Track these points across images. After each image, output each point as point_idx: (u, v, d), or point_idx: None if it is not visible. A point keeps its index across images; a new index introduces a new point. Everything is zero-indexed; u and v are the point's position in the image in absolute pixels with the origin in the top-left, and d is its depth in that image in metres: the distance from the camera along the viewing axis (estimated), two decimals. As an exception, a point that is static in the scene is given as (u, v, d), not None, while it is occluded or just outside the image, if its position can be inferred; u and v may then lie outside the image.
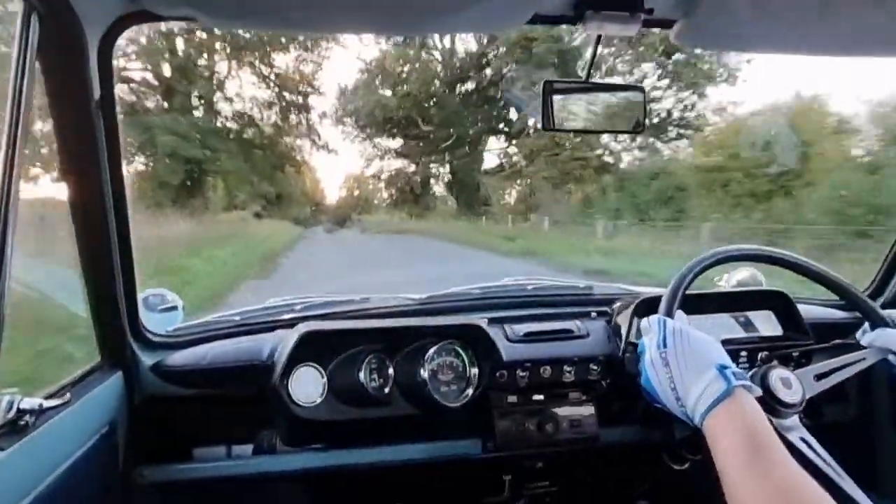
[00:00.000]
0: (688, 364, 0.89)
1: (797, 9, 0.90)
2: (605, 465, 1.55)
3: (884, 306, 1.28)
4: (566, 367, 1.33)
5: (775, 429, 0.99)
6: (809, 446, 0.99)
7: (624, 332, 1.31)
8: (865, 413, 1.50)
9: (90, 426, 1.06)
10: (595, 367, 1.34)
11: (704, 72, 19.87)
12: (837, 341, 1.27)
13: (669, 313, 1.06)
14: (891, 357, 1.10)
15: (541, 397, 1.33)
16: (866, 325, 1.16)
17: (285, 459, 1.27)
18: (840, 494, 0.92)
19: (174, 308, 1.42)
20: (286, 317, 1.43)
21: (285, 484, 1.36)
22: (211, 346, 1.32)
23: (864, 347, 1.14)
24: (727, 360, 0.88)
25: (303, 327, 1.24)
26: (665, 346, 0.91)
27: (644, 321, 1.03)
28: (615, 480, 1.65)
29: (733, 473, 0.74)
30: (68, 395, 0.99)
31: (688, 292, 1.10)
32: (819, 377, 1.09)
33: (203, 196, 20.60)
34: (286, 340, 1.23)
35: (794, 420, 1.02)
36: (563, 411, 1.32)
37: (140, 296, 1.23)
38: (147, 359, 1.25)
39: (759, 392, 0.88)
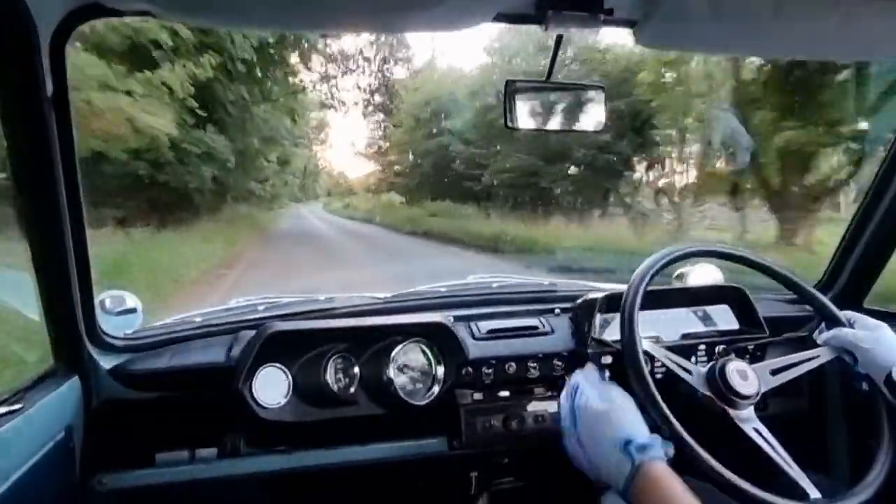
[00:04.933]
0: (594, 441, 0.95)
1: (753, 11, 0.93)
2: (569, 459, 1.57)
3: (834, 299, 1.33)
4: (531, 364, 1.34)
5: (731, 420, 1.04)
6: (762, 436, 1.02)
7: (587, 328, 1.33)
8: (817, 406, 1.55)
9: (45, 433, 1.02)
10: (559, 363, 1.35)
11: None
12: (789, 335, 1.32)
13: (632, 309, 1.08)
14: (845, 356, 1.15)
15: (506, 394, 1.34)
16: (823, 324, 1.21)
17: (250, 462, 1.25)
18: (788, 480, 0.97)
19: (133, 311, 1.38)
20: (249, 317, 1.40)
21: (251, 487, 1.34)
22: (172, 349, 1.29)
23: (819, 345, 1.18)
24: (632, 429, 0.93)
25: (266, 328, 1.22)
26: (575, 426, 1.02)
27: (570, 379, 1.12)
28: (580, 474, 1.67)
29: None
30: (22, 401, 0.96)
31: (649, 288, 1.13)
32: (775, 372, 1.12)
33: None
34: (250, 341, 1.21)
35: (749, 411, 1.06)
36: (528, 407, 1.33)
37: (97, 298, 1.19)
38: (105, 363, 1.22)
39: (671, 454, 0.93)
